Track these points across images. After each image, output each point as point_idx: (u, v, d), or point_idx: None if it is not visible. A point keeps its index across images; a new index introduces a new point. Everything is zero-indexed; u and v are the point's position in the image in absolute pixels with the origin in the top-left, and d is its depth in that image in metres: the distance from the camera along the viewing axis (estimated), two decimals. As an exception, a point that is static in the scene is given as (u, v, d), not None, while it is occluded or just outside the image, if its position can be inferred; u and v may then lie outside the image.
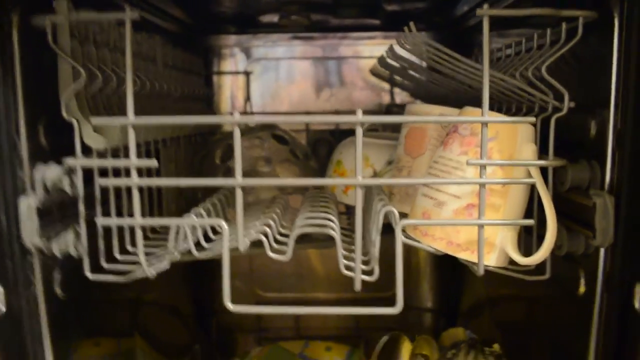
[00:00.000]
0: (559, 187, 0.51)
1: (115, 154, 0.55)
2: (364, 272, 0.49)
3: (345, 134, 1.01)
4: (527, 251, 0.52)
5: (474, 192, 0.48)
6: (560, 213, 0.50)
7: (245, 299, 1.18)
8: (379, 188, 0.68)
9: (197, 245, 0.54)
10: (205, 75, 1.11)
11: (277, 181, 0.47)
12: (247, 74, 1.13)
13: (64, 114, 0.49)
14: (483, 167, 0.45)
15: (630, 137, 0.45)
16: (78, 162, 0.47)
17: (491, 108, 0.63)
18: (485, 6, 0.44)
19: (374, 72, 1.00)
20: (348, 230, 0.66)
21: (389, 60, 0.71)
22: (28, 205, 0.48)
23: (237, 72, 1.13)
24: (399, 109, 0.95)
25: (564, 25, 0.48)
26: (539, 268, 0.51)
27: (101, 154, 0.53)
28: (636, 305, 0.45)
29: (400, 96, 1.11)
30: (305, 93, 1.14)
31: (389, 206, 0.51)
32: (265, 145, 0.77)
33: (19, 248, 0.48)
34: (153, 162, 0.45)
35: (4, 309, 0.48)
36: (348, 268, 0.51)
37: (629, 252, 0.46)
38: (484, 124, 0.45)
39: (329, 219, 0.54)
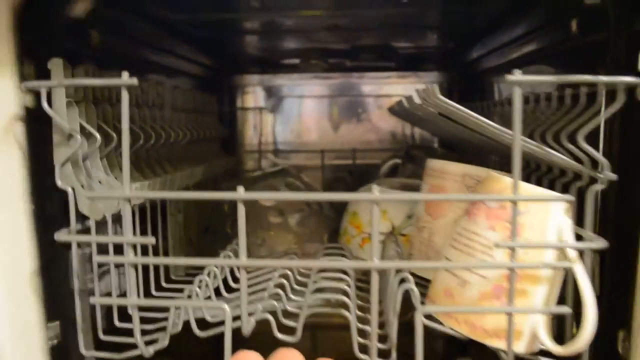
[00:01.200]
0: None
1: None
2: (381, 355, 0.45)
3: (364, 172, 0.97)
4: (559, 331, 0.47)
5: (502, 273, 0.44)
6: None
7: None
8: (395, 244, 0.64)
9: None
10: (229, 112, 1.15)
11: (283, 263, 0.43)
12: (265, 110, 1.17)
13: (58, 182, 0.45)
14: (513, 249, 0.41)
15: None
16: (73, 237, 0.43)
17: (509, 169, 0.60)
18: (517, 73, 0.40)
19: (392, 112, 0.95)
20: (365, 294, 0.61)
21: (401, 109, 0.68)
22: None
23: (257, 109, 1.17)
24: (419, 151, 0.90)
25: (602, 91, 0.44)
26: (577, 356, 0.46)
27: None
28: (620, 350, 0.46)
29: (420, 133, 1.09)
30: (323, 130, 1.16)
31: (408, 283, 0.47)
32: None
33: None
34: (150, 240, 0.42)
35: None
36: (363, 350, 0.46)
37: (613, 303, 0.45)
38: (515, 202, 0.41)
39: (344, 292, 0.50)
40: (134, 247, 0.41)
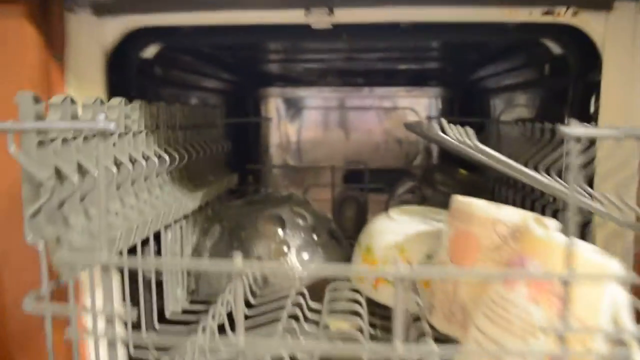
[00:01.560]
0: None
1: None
2: None
3: (376, 192, 0.91)
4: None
5: (545, 357, 0.37)
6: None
7: None
8: (414, 291, 0.58)
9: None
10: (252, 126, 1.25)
11: (280, 343, 0.37)
12: (288, 120, 1.24)
13: (27, 237, 0.39)
14: (563, 335, 0.34)
15: None
16: (45, 308, 0.37)
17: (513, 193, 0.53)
18: (573, 125, 0.33)
19: (408, 128, 0.88)
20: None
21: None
22: None
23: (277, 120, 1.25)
24: (439, 174, 0.83)
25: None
26: None
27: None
28: None
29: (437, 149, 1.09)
30: (336, 139, 1.21)
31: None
32: (287, 226, 0.66)
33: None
34: (129, 314, 0.35)
35: None
36: None
37: None
38: (566, 282, 0.34)
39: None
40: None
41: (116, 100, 0.51)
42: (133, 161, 0.54)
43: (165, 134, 0.65)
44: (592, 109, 0.55)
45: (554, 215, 0.52)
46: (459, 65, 1.07)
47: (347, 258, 0.70)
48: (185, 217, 0.67)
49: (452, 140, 0.48)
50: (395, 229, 0.63)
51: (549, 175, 0.51)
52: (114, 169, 0.48)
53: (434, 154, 1.18)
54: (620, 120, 0.52)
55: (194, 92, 0.96)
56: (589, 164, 0.48)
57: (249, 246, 0.67)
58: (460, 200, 0.53)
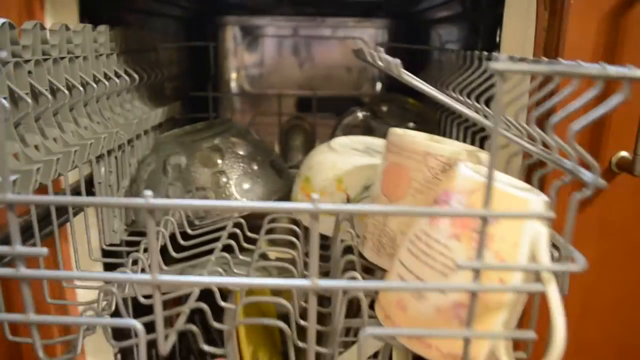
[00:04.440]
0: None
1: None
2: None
3: (325, 121, 0.90)
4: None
5: (464, 293, 0.38)
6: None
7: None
8: (349, 222, 0.58)
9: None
10: (208, 52, 1.19)
11: (200, 279, 0.36)
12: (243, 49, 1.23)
13: None
14: (478, 270, 0.35)
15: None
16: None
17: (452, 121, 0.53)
18: (502, 58, 0.32)
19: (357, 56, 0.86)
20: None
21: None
22: None
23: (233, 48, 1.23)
24: (387, 105, 0.82)
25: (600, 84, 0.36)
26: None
27: None
28: None
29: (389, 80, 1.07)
30: (289, 68, 1.22)
31: (356, 291, 0.41)
32: (226, 156, 0.65)
33: None
34: (42, 251, 0.34)
35: None
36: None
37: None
38: (484, 219, 0.34)
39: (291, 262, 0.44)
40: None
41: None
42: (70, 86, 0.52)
43: (111, 58, 0.63)
44: (497, 39, 0.64)
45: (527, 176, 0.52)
46: None
47: (289, 188, 0.70)
48: (120, 146, 0.64)
49: (382, 66, 0.46)
50: (334, 160, 0.62)
51: (478, 103, 0.51)
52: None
53: (385, 83, 1.21)
54: (518, 49, 0.60)
55: (157, 19, 0.96)
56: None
57: (188, 176, 0.65)
58: (395, 132, 0.52)
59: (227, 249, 0.55)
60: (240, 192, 0.65)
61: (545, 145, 0.44)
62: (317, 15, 1.18)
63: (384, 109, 0.80)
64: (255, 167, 0.66)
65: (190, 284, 0.35)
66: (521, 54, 0.59)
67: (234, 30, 1.22)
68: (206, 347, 0.40)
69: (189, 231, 0.61)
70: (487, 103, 0.53)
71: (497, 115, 0.32)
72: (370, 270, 0.54)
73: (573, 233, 0.38)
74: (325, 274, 0.59)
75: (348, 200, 0.60)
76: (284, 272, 0.59)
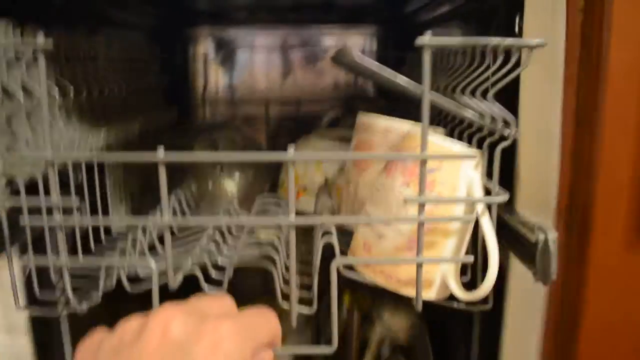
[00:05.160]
0: (507, 219, 0.50)
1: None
2: (303, 302, 0.48)
3: (309, 124, 0.98)
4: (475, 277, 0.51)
5: (415, 227, 0.46)
6: (509, 243, 0.49)
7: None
8: (328, 197, 0.66)
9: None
10: (178, 65, 1.17)
11: (204, 219, 0.44)
12: (216, 62, 1.19)
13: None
14: (421, 204, 0.44)
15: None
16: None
17: (439, 121, 0.62)
18: (427, 35, 0.41)
19: (333, 62, 0.96)
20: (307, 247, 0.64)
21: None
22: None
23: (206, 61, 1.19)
24: (359, 102, 0.92)
25: (516, 51, 0.45)
26: (483, 299, 0.50)
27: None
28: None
29: (364, 84, 1.12)
30: (270, 80, 1.18)
31: (329, 236, 0.49)
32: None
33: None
34: (74, 202, 0.43)
35: None
36: (286, 298, 0.49)
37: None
38: (423, 161, 0.43)
39: (272, 246, 0.53)
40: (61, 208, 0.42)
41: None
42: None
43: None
44: (517, 29, 0.54)
45: (461, 135, 0.59)
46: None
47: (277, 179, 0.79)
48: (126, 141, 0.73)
49: (351, 62, 0.56)
50: (313, 146, 0.72)
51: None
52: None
53: (364, 87, 1.18)
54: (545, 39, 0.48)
55: (118, 28, 0.88)
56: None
57: (185, 170, 0.74)
58: (364, 114, 0.62)
59: (217, 229, 0.62)
60: (232, 184, 0.74)
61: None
62: (300, 23, 1.15)
63: (360, 107, 0.89)
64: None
65: (196, 222, 0.44)
66: (551, 44, 0.48)
67: (209, 41, 1.18)
68: (207, 287, 0.49)
69: (187, 212, 0.69)
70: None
71: (426, 85, 0.42)
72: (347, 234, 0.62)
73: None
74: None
75: (326, 182, 0.69)
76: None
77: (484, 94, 0.49)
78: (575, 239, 0.50)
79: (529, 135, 0.51)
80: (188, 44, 1.19)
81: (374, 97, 1.09)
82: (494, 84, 0.47)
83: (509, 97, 0.49)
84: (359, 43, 1.20)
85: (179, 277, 0.47)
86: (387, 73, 0.47)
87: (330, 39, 1.18)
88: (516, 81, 0.48)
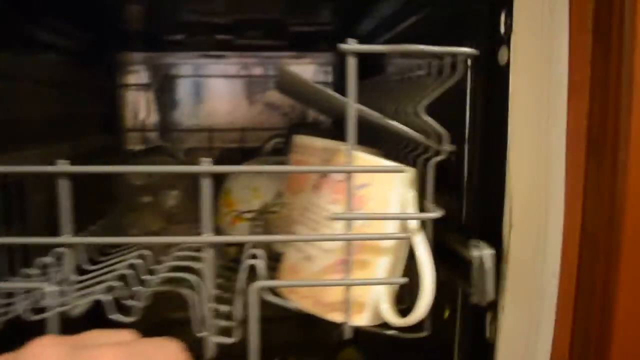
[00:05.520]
0: (443, 235, 0.47)
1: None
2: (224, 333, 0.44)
3: (255, 153, 0.95)
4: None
5: (345, 247, 0.43)
6: (445, 263, 0.47)
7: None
8: (263, 222, 0.63)
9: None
10: (110, 91, 1.07)
11: (103, 239, 0.41)
12: (152, 90, 1.10)
13: None
14: (349, 221, 0.41)
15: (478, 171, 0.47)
16: None
17: (376, 141, 0.60)
18: (351, 41, 0.39)
19: (279, 90, 0.94)
20: (227, 273, 0.60)
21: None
22: None
23: (141, 87, 1.10)
24: (304, 129, 0.89)
25: (447, 61, 0.44)
26: (418, 325, 0.46)
27: None
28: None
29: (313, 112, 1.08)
30: (213, 110, 1.11)
31: (253, 259, 0.46)
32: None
33: None
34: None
35: None
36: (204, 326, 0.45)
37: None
38: (348, 175, 0.40)
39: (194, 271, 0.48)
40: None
41: None
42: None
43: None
44: (502, 29, 0.42)
45: (405, 157, 0.56)
46: (347, 12, 0.93)
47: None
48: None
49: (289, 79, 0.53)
50: (247, 175, 0.69)
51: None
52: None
53: (310, 115, 1.12)
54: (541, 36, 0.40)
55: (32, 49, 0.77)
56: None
57: (115, 194, 0.70)
58: (298, 137, 0.59)
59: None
60: (167, 204, 0.70)
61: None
62: (245, 50, 1.08)
63: (303, 132, 0.87)
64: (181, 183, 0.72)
65: (104, 242, 0.40)
66: (547, 41, 0.40)
67: (146, 66, 1.09)
68: (113, 316, 0.44)
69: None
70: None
71: (351, 93, 0.39)
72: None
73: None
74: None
75: (263, 208, 0.66)
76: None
77: (427, 107, 0.47)
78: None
79: (521, 163, 0.41)
80: (122, 69, 1.10)
81: (321, 124, 1.06)
82: (426, 96, 0.45)
83: (495, 112, 0.43)
84: (310, 72, 1.13)
85: (81, 306, 0.42)
86: (316, 86, 0.45)
87: (277, 66, 1.13)
88: (502, 93, 0.42)
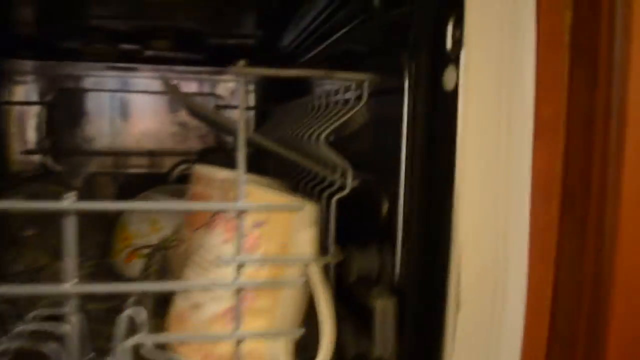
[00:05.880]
0: (345, 278, 0.43)
1: None
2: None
3: (159, 177, 0.89)
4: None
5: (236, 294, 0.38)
6: (350, 309, 0.43)
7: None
8: (161, 259, 0.57)
9: None
10: None
11: None
12: (46, 104, 0.96)
13: None
14: (240, 265, 0.36)
15: (417, 220, 0.38)
16: None
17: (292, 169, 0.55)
18: (241, 63, 0.35)
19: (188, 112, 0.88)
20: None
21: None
22: None
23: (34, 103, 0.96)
24: (215, 155, 0.85)
25: (348, 88, 0.40)
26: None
27: None
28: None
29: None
30: (114, 128, 0.99)
31: (132, 309, 0.40)
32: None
33: None
34: None
35: None
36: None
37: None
38: (240, 213, 0.36)
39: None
40: None
41: None
42: None
43: None
44: (449, 44, 0.33)
45: (311, 191, 0.51)
46: (269, 22, 0.84)
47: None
48: None
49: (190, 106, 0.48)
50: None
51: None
52: None
53: (223, 139, 1.01)
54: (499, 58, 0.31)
55: None
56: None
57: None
58: (198, 167, 0.54)
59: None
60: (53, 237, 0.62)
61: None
62: (156, 63, 0.95)
63: (214, 159, 0.82)
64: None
65: None
66: (508, 62, 0.31)
67: (33, 78, 0.96)
68: None
69: None
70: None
71: (242, 115, 0.35)
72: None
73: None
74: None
75: (161, 244, 0.60)
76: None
77: (328, 137, 0.43)
78: None
79: (471, 222, 0.32)
80: (8, 80, 0.95)
81: (233, 149, 1.00)
82: (329, 125, 0.41)
83: (439, 152, 0.35)
84: (231, 91, 1.02)
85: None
86: (207, 109, 0.40)
87: (191, 84, 1.01)
88: (447, 128, 0.32)
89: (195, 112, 0.49)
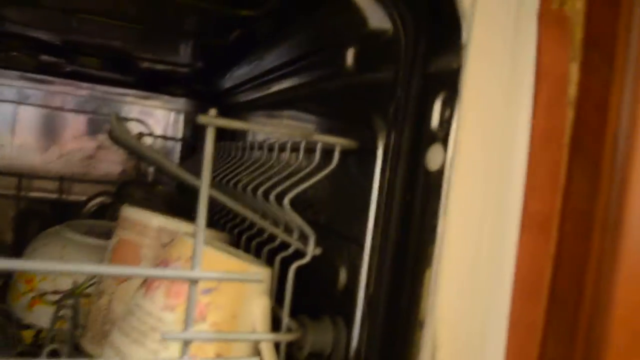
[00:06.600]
0: (296, 353, 0.39)
1: None
2: None
3: (72, 209, 0.81)
4: None
5: (174, 370, 0.33)
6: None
7: None
8: (72, 309, 0.51)
9: None
10: None
11: None
12: None
13: None
14: (187, 342, 0.31)
15: (384, 297, 0.35)
16: None
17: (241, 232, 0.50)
18: (212, 112, 0.31)
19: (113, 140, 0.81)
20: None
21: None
22: None
23: None
24: (136, 189, 0.78)
25: (317, 151, 0.37)
26: None
27: None
28: None
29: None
30: (26, 149, 0.88)
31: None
32: None
33: None
34: None
35: None
36: None
37: None
38: (193, 282, 0.31)
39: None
40: None
41: None
42: None
43: None
44: (435, 121, 0.30)
45: (247, 239, 0.46)
46: (210, 59, 0.81)
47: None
48: None
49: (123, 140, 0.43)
50: (63, 244, 0.56)
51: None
52: None
53: (147, 172, 0.94)
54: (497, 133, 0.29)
55: None
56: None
57: None
58: (128, 209, 0.49)
59: None
60: None
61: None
62: (77, 79, 0.87)
63: (135, 193, 0.76)
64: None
65: None
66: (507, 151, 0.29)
67: None
68: None
69: None
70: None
71: (206, 169, 0.31)
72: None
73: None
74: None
75: (73, 290, 0.53)
76: None
77: (291, 197, 0.39)
78: None
79: (447, 300, 0.29)
80: None
81: (163, 184, 0.92)
82: (296, 186, 0.38)
83: (420, 225, 0.31)
84: (158, 118, 0.95)
85: None
86: (155, 155, 0.35)
87: (121, 106, 0.93)
88: (429, 215, 0.30)
89: (130, 149, 0.44)
